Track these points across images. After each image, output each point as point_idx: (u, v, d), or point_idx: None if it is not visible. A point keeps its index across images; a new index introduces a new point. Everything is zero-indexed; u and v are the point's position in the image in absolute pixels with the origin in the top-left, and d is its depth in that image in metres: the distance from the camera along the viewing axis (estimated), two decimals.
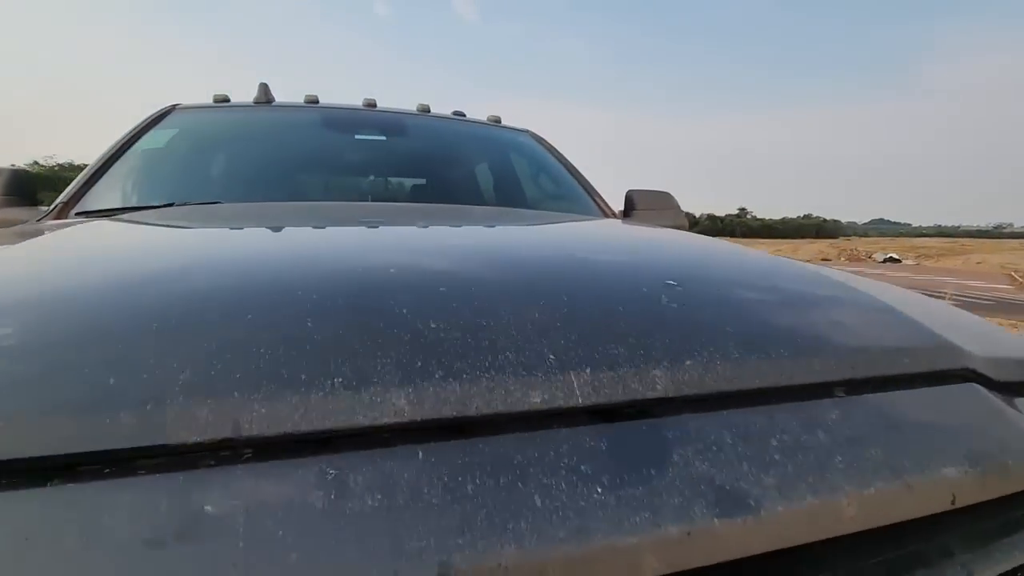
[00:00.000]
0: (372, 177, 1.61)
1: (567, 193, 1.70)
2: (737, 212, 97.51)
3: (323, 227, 0.93)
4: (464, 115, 1.97)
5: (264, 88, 1.70)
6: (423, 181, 1.64)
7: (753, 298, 0.55)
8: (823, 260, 29.08)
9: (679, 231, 1.25)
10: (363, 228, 0.88)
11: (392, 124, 1.72)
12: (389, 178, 1.66)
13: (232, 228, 0.92)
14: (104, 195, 1.26)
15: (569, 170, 1.75)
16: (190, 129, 1.52)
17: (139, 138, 1.43)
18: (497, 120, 2.02)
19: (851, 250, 32.96)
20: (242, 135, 1.54)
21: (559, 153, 1.84)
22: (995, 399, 0.44)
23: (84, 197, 1.24)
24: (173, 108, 1.60)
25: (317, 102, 1.78)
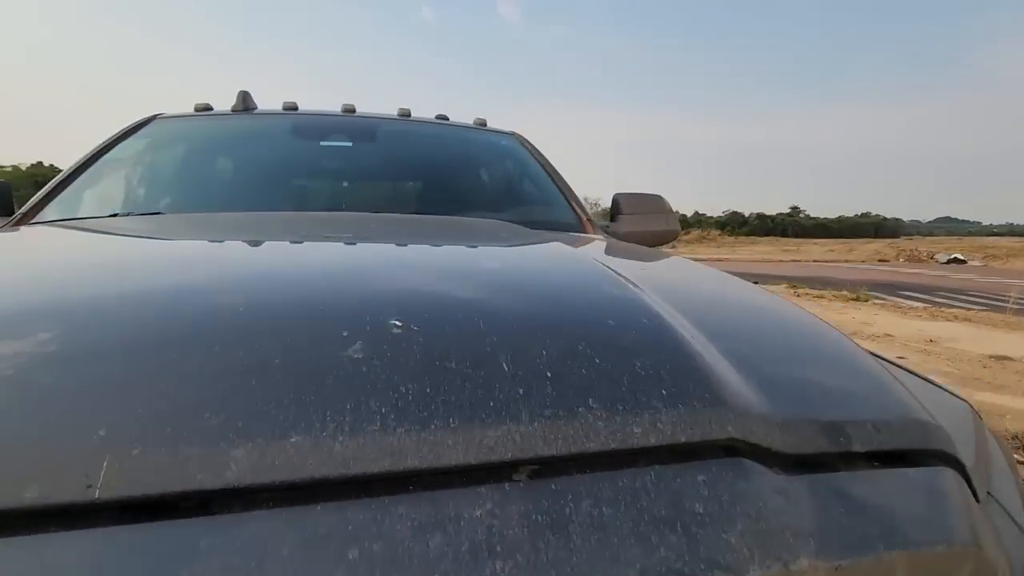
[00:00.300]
0: (345, 184, 1.59)
1: (542, 198, 1.64)
2: (789, 211, 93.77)
3: (257, 243, 0.90)
4: (447, 119, 1.93)
5: (243, 96, 1.71)
6: (394, 188, 1.61)
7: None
8: (880, 261, 27.62)
9: (640, 251, 1.15)
10: (296, 247, 0.85)
11: (367, 130, 1.69)
12: (361, 185, 1.64)
13: (152, 242, 0.91)
14: (63, 204, 1.28)
15: (550, 174, 1.69)
16: (163, 138, 1.54)
17: (112, 147, 1.45)
18: (483, 123, 1.97)
19: (911, 250, 31.15)
20: (213, 144, 1.55)
21: (542, 157, 1.77)
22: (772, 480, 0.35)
23: (47, 206, 1.27)
24: (154, 117, 1.62)
25: (296, 108, 1.78)
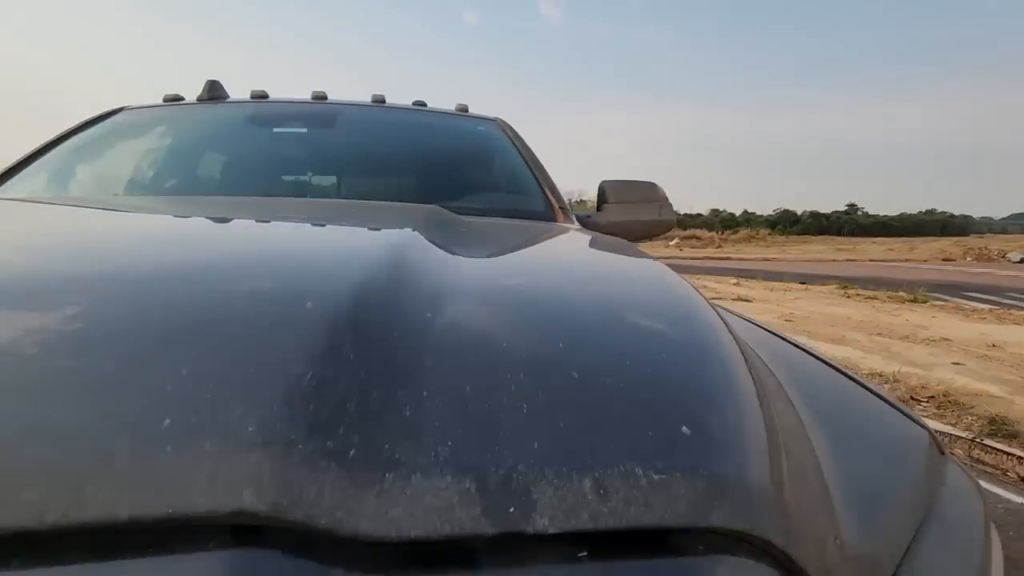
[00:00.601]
0: (308, 173, 1.52)
1: (513, 186, 1.52)
2: (846, 208, 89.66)
3: (169, 230, 0.82)
4: (425, 104, 1.83)
5: (210, 85, 1.67)
6: (359, 176, 1.52)
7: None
8: (945, 260, 25.88)
9: (599, 244, 1.00)
10: (223, 236, 0.77)
11: (335, 117, 1.62)
12: (325, 173, 1.56)
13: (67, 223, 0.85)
14: (10, 187, 1.25)
15: (527, 161, 1.56)
16: (124, 127, 1.51)
17: (70, 137, 1.43)
18: (464, 109, 1.87)
19: (980, 248, 29.03)
20: (174, 133, 1.51)
21: (522, 144, 1.65)
22: None
23: None
24: (121, 109, 1.60)
25: (265, 97, 1.72)
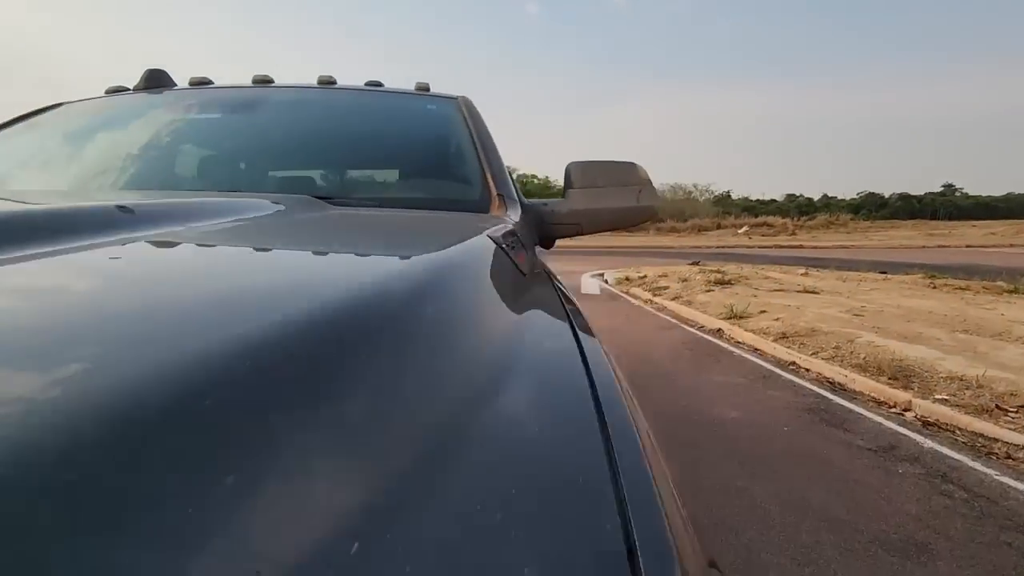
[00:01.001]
0: (242, 165, 1.39)
1: (449, 173, 1.33)
2: (941, 189, 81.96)
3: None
4: (381, 84, 1.66)
5: (147, 75, 1.58)
6: (279, 161, 1.37)
7: None
8: None
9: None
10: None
11: (265, 101, 1.48)
12: (255, 160, 1.43)
13: None
14: None
15: (477, 146, 1.36)
16: (57, 122, 1.45)
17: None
18: (424, 88, 1.68)
19: None
20: (106, 124, 1.42)
21: (478, 125, 1.44)
22: None
23: None
24: (58, 104, 1.55)
25: (208, 83, 1.62)
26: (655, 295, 8.44)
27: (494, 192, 1.21)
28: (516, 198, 1.27)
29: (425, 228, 0.79)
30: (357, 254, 0.57)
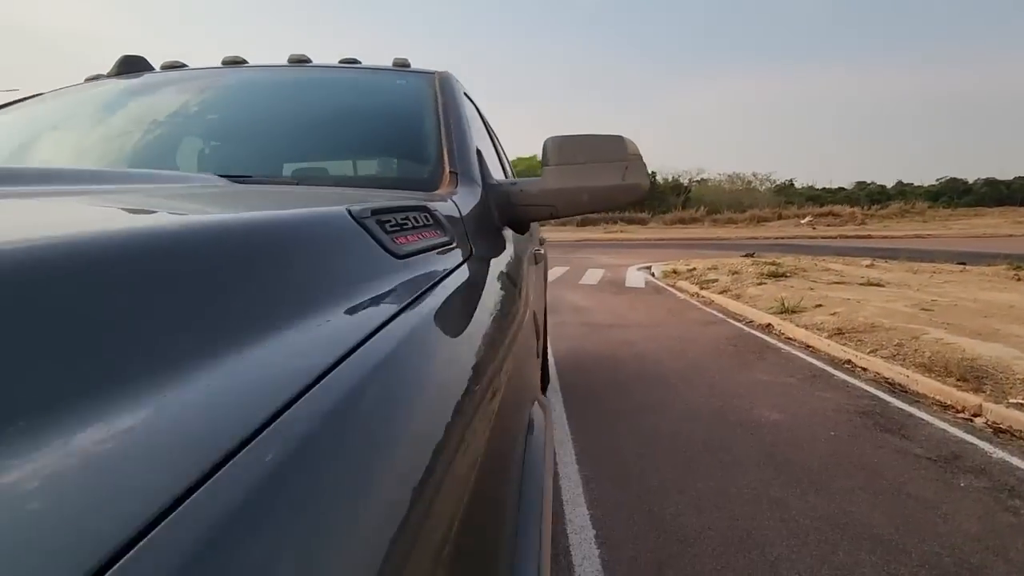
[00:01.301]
0: (212, 141, 1.34)
1: (400, 150, 1.23)
2: None
3: None
4: (357, 62, 1.57)
5: (120, 61, 1.57)
6: (238, 140, 1.31)
7: None
8: None
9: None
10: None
11: (243, 82, 1.42)
12: (224, 141, 1.37)
13: None
14: None
15: (443, 122, 1.24)
16: (22, 111, 1.44)
17: None
18: (403, 64, 1.58)
19: None
20: (68, 112, 1.40)
21: (451, 101, 1.32)
22: None
23: None
24: (38, 94, 1.55)
25: (182, 66, 1.59)
26: (702, 288, 8.06)
27: (447, 170, 1.09)
28: (476, 177, 1.14)
29: (285, 204, 0.68)
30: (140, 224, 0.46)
